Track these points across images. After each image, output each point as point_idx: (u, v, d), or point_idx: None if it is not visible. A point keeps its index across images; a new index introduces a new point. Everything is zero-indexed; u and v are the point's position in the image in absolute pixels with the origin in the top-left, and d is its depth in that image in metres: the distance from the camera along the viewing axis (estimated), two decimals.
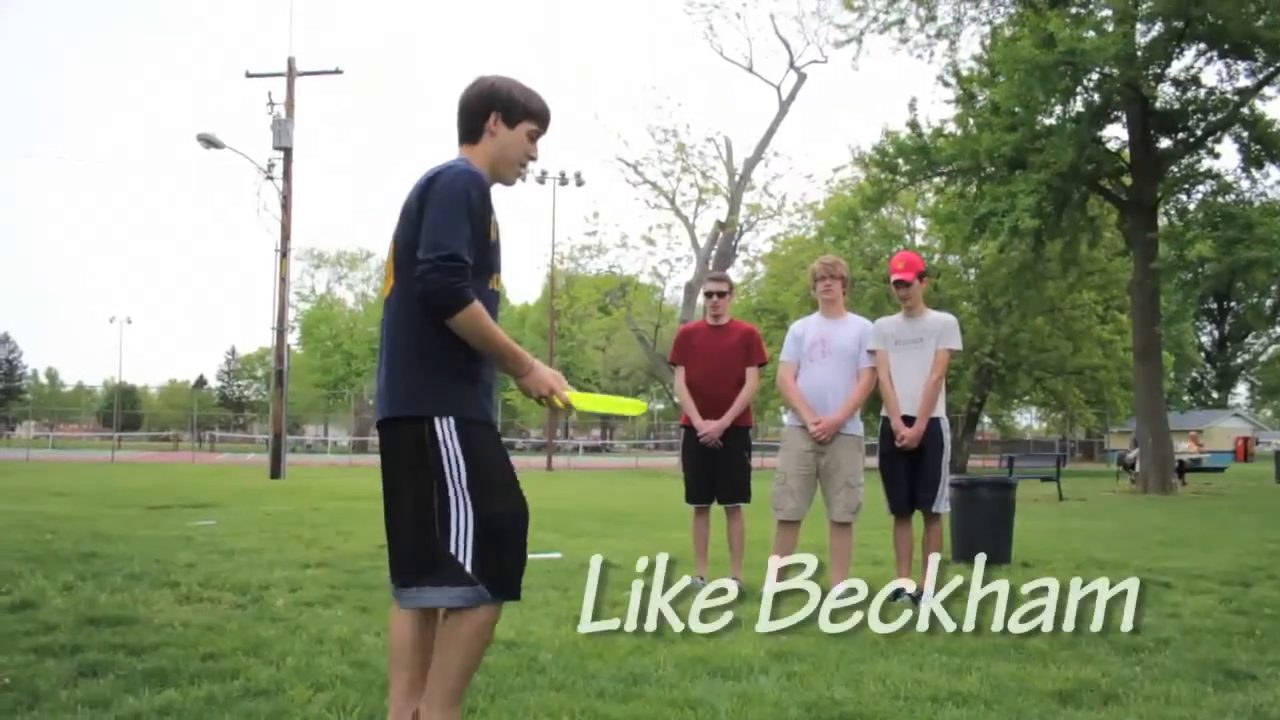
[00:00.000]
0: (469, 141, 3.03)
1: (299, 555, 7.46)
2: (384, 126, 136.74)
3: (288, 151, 25.11)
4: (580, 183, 42.10)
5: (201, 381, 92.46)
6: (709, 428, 6.35)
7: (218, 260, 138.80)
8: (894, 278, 6.18)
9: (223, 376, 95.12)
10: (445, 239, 2.73)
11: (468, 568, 2.73)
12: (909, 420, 5.96)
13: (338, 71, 26.90)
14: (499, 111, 2.99)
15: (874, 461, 6.17)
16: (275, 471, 23.61)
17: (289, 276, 25.55)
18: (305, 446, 64.14)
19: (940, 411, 6.06)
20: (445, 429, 2.78)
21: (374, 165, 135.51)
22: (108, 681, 3.66)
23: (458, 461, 2.77)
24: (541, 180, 41.38)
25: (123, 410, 75.27)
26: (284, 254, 25.09)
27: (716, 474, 6.45)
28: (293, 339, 65.20)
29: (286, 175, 25.18)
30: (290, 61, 25.49)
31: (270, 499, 14.48)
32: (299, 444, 63.42)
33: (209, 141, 24.99)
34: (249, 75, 26.21)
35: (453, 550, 2.73)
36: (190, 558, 7.04)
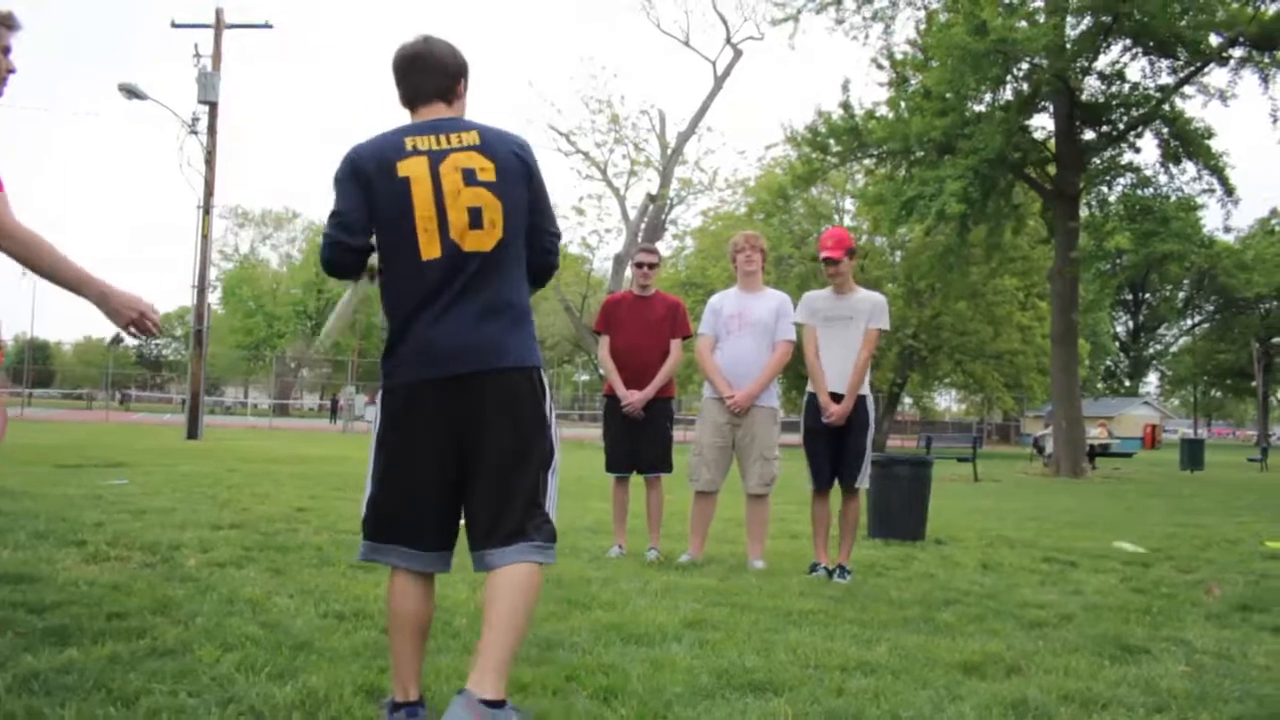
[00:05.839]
0: (446, 101, 2.97)
1: (212, 516, 7.33)
2: (313, 85, 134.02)
3: (213, 106, 24.46)
4: None
5: (118, 339, 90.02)
6: (633, 397, 6.36)
7: (138, 215, 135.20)
8: (823, 255, 6.07)
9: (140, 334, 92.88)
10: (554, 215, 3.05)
11: (553, 524, 2.87)
12: (836, 397, 5.97)
13: (267, 26, 26.32)
14: (465, 78, 3.03)
15: (797, 437, 6.22)
16: (192, 432, 23.18)
17: (211, 234, 24.95)
18: (224, 408, 62.99)
19: (866, 389, 6.11)
20: (547, 381, 2.92)
21: (302, 124, 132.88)
22: (5, 640, 3.55)
23: (552, 414, 2.92)
24: None
25: (34, 366, 73.06)
26: (207, 211, 24.44)
27: (638, 444, 6.47)
28: (214, 298, 63.82)
29: (211, 130, 24.54)
30: (218, 13, 24.80)
31: (186, 459, 14.19)
32: (218, 405, 62.27)
33: (131, 92, 24.21)
34: (175, 25, 25.48)
35: (546, 506, 2.84)
36: (99, 516, 6.86)
